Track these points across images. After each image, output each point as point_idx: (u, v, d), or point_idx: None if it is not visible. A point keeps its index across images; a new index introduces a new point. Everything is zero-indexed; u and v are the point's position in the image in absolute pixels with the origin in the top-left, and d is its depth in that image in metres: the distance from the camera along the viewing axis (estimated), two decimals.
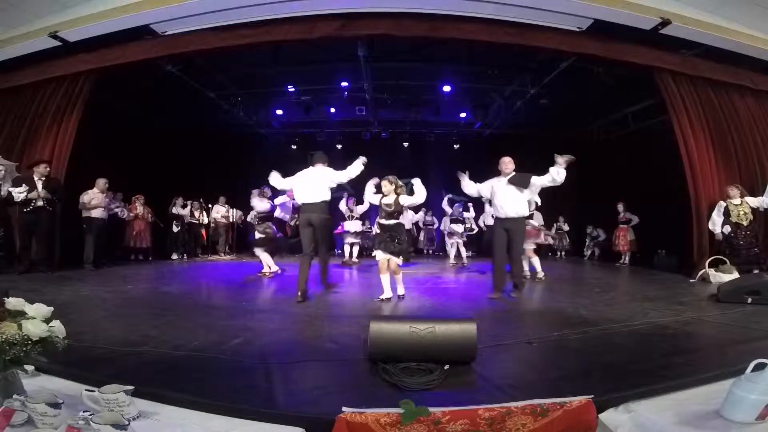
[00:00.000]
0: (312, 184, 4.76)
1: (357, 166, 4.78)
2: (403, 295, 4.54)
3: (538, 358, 2.61)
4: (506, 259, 4.67)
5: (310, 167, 4.91)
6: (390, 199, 4.57)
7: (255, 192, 6.72)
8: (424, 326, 2.29)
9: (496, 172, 4.78)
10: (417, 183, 4.62)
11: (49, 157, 6.36)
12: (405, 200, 4.62)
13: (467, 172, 4.95)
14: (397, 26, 5.82)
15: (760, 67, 6.29)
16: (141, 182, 8.97)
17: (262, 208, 6.62)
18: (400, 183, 4.68)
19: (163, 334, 2.94)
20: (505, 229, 4.58)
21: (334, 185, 4.87)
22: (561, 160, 4.34)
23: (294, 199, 5.80)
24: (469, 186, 4.91)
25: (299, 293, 4.39)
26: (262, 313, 3.96)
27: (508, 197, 4.59)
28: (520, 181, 4.59)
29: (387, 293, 4.40)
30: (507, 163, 4.68)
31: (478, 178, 4.99)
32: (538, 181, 4.52)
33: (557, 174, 4.36)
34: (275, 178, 5.18)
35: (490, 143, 11.21)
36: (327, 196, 4.78)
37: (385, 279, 4.42)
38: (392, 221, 4.54)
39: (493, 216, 5.03)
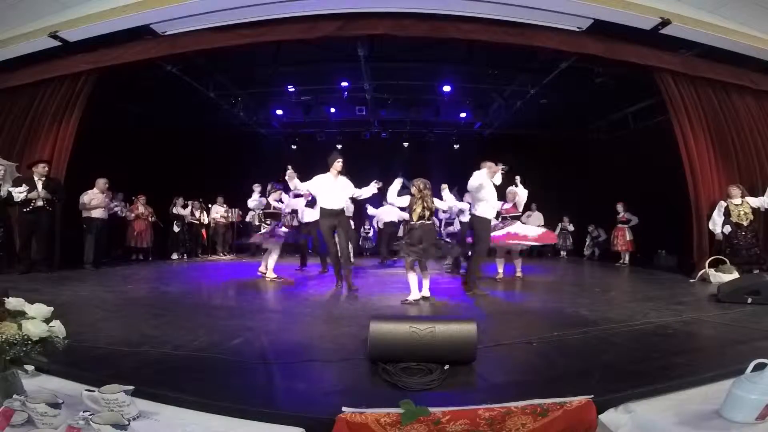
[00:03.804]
0: (338, 192, 5.09)
1: (371, 190, 5.24)
2: (428, 297, 4.45)
3: (538, 358, 2.61)
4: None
5: (331, 174, 5.09)
6: (421, 202, 4.47)
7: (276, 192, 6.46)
8: (424, 326, 2.29)
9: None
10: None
11: (49, 157, 6.36)
12: (437, 203, 4.68)
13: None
14: (397, 26, 5.82)
15: (760, 67, 6.28)
16: (141, 182, 8.97)
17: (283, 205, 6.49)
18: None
19: (163, 334, 2.93)
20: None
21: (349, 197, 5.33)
22: (501, 167, 4.86)
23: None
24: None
25: (351, 286, 5.01)
26: (262, 313, 3.96)
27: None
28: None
29: (414, 294, 4.30)
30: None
31: None
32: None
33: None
34: (295, 180, 5.11)
35: (490, 143, 11.22)
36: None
37: (413, 279, 4.37)
38: (424, 222, 4.46)
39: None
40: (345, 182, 5.20)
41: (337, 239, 5.02)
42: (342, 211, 5.15)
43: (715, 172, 6.37)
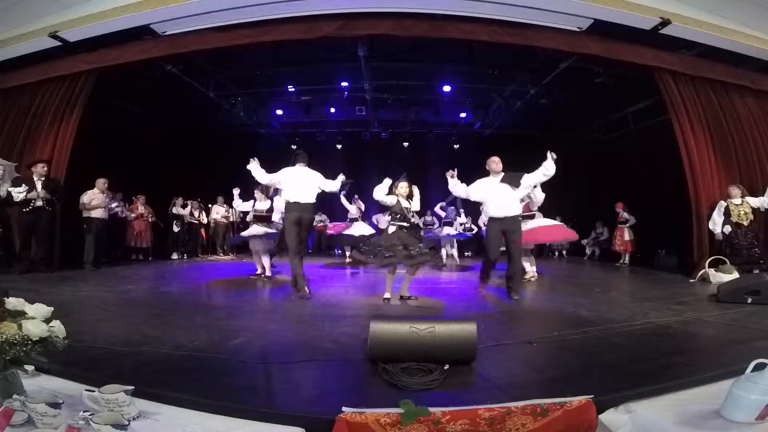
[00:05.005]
0: (305, 184, 4.85)
1: (337, 184, 5.04)
2: (409, 297, 4.45)
3: (538, 358, 2.61)
4: (500, 258, 4.72)
5: (297, 166, 4.95)
6: (406, 203, 4.50)
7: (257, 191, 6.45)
8: (424, 326, 2.29)
9: (485, 173, 4.80)
10: (415, 189, 4.62)
11: (49, 157, 6.36)
12: (413, 204, 4.59)
13: (455, 170, 4.78)
14: (397, 26, 5.82)
15: (760, 67, 6.28)
16: (141, 182, 8.97)
17: (263, 206, 6.47)
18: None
19: (163, 334, 2.94)
20: (502, 229, 4.57)
21: (320, 191, 5.00)
22: (552, 156, 4.48)
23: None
24: (457, 187, 4.76)
25: (307, 290, 4.60)
26: (262, 313, 3.96)
27: (502, 197, 4.59)
28: (512, 180, 4.63)
29: (388, 294, 4.37)
30: (497, 163, 4.71)
31: (478, 177, 4.97)
32: (531, 179, 4.63)
33: (547, 169, 4.51)
34: (257, 169, 4.92)
35: (490, 143, 11.20)
36: (315, 199, 4.96)
37: (390, 279, 4.40)
38: (407, 223, 4.48)
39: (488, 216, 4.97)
40: (314, 176, 4.97)
41: (297, 234, 4.77)
42: (309, 205, 4.84)
43: (715, 172, 6.36)
